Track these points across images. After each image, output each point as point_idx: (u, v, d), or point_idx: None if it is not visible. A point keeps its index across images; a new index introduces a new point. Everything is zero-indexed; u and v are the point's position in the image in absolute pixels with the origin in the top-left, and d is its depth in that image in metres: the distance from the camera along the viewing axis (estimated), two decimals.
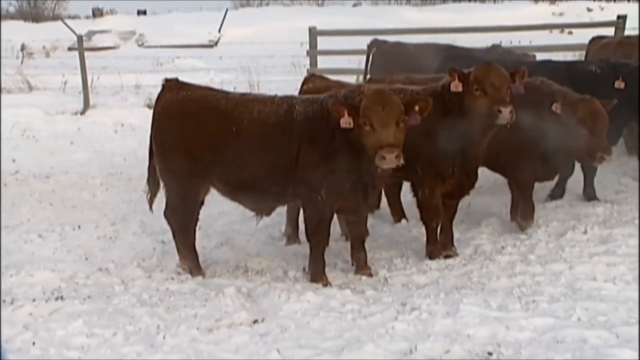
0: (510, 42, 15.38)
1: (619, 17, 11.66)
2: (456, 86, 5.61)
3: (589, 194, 7.44)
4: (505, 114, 5.41)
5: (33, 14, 36.95)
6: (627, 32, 11.57)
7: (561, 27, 18.94)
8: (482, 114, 5.56)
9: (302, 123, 5.36)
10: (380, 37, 11.13)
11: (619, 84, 6.71)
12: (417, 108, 5.13)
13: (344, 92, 5.42)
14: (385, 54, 9.92)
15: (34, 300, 5.04)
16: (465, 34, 12.46)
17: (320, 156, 5.28)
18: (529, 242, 6.16)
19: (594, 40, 9.82)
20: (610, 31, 11.93)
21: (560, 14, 27.68)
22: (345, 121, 5.06)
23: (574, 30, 19.67)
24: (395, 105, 5.00)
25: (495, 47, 9.90)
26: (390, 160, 4.85)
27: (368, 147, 4.98)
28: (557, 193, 7.45)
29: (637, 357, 3.71)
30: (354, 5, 37.18)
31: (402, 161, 4.88)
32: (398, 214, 7.13)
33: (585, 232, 6.22)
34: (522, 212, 6.60)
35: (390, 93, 5.13)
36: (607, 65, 7.25)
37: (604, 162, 6.13)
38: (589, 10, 28.18)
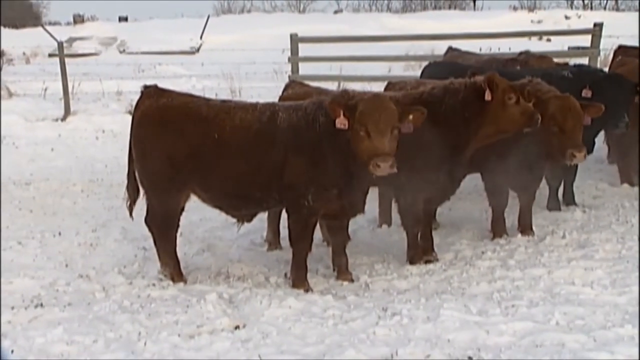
0: (490, 49, 15.54)
1: (595, 24, 11.80)
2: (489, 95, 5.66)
3: (568, 199, 7.53)
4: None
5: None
6: (602, 40, 11.72)
7: (540, 34, 19.14)
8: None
9: (287, 130, 5.37)
10: (454, 45, 11.21)
11: (586, 93, 6.75)
12: (410, 117, 5.13)
13: (337, 95, 5.43)
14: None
15: (12, 308, 5.01)
16: (445, 41, 12.54)
17: (307, 163, 5.30)
18: (509, 247, 6.23)
19: None
20: (587, 39, 12.10)
21: (539, 22, 27.99)
22: (341, 122, 5.07)
23: (552, 38, 19.90)
24: (392, 113, 5.02)
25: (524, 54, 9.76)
26: (384, 169, 4.87)
27: (362, 152, 5.00)
28: (554, 205, 7.42)
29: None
30: (335, 12, 37.38)
31: (395, 169, 4.91)
32: (386, 219, 7.16)
33: (563, 237, 6.32)
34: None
35: (388, 100, 5.16)
36: (579, 72, 7.34)
37: (575, 160, 5.98)
38: (566, 18, 28.56)
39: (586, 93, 6.73)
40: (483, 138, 5.83)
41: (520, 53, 9.61)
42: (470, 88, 5.69)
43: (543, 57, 9.29)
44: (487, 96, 5.62)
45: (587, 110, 6.05)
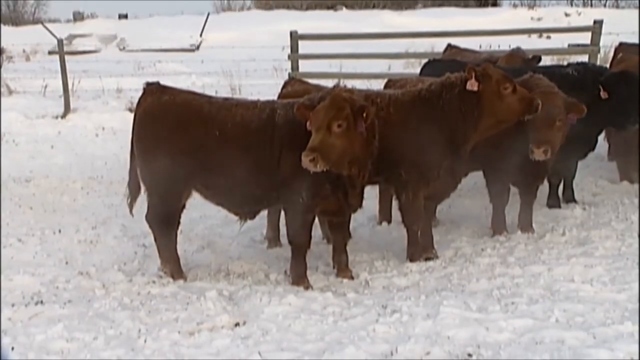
0: (490, 46, 15.53)
1: (595, 22, 11.78)
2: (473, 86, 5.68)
3: (568, 196, 7.53)
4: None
5: (13, 18, 36.66)
6: (602, 37, 11.70)
7: (539, 31, 19.12)
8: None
9: (283, 126, 5.39)
10: (454, 42, 11.18)
11: (604, 95, 6.69)
12: (364, 115, 5.07)
13: (319, 95, 5.43)
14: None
15: (13, 305, 5.02)
16: (445, 38, 12.53)
17: (300, 159, 5.30)
18: (508, 244, 6.24)
19: None
20: (587, 36, 12.09)
21: (539, 19, 27.93)
22: (308, 125, 5.11)
23: (552, 35, 19.88)
24: (330, 110, 5.00)
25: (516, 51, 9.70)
26: (304, 163, 4.90)
27: None
28: (553, 202, 7.41)
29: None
30: (335, 9, 37.27)
31: (318, 167, 4.91)
32: (385, 216, 7.16)
33: (563, 234, 6.32)
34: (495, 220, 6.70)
35: (341, 98, 5.08)
36: (585, 69, 7.30)
37: (532, 156, 5.89)
38: (566, 15, 28.50)
39: (603, 95, 6.67)
40: (485, 130, 5.83)
41: (512, 50, 9.62)
42: (466, 82, 5.70)
43: (511, 55, 9.26)
44: (470, 86, 5.63)
45: (570, 109, 5.99)
